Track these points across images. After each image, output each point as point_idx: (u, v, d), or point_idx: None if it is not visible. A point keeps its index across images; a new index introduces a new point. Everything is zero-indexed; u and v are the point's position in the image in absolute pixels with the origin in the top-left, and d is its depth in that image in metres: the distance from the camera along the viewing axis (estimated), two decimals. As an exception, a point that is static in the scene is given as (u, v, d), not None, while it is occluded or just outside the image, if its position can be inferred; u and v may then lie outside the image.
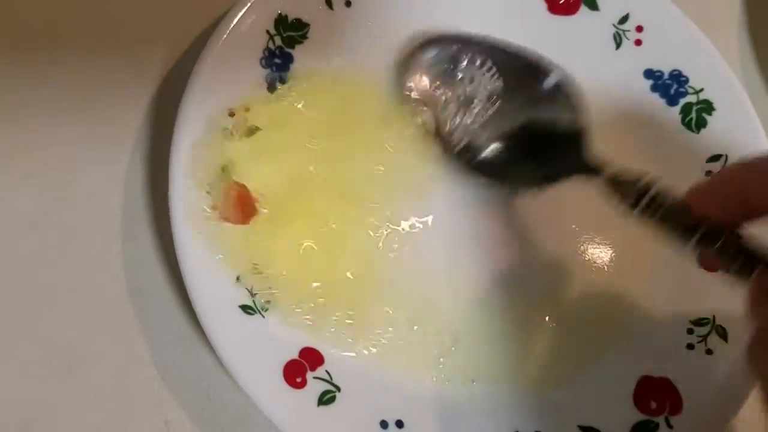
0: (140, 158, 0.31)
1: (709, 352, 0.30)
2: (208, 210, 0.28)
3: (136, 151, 0.31)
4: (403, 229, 0.32)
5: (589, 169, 0.29)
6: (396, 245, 0.31)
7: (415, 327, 0.30)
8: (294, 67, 0.32)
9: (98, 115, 0.32)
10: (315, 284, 0.30)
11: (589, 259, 0.32)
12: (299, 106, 0.32)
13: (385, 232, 0.31)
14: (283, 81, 0.32)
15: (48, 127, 0.31)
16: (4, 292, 0.29)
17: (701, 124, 0.33)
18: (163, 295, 0.30)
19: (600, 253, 0.32)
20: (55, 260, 0.30)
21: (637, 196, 0.26)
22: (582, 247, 0.32)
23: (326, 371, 0.28)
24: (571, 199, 0.32)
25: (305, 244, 0.30)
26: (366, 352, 0.29)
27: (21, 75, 0.32)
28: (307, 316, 0.29)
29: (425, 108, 0.32)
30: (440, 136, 0.32)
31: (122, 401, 0.28)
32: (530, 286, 0.32)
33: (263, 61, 0.31)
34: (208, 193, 0.29)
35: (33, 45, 0.32)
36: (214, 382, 0.29)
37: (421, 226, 0.32)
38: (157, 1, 0.33)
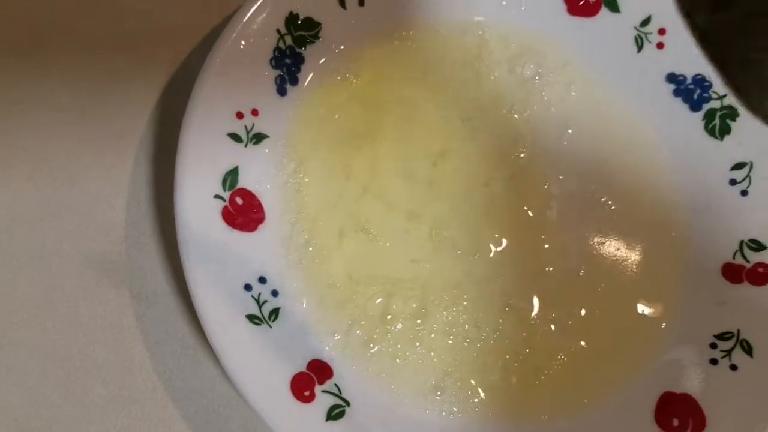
0: (145, 160, 0.30)
1: (733, 367, 0.29)
2: (215, 217, 0.27)
3: (141, 153, 0.30)
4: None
5: None
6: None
7: (418, 343, 0.29)
8: (304, 68, 0.31)
9: (102, 115, 0.31)
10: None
11: (609, 272, 0.31)
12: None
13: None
14: (293, 83, 0.31)
15: (50, 128, 0.30)
16: (1, 298, 0.28)
17: (725, 130, 0.32)
18: (166, 302, 0.29)
19: (621, 265, 0.31)
20: (55, 265, 0.29)
21: None
22: (603, 260, 0.31)
23: (335, 385, 0.27)
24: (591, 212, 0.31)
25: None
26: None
27: (23, 75, 0.31)
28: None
29: None
30: None
31: (123, 413, 0.27)
32: (546, 302, 0.31)
33: (273, 62, 0.30)
34: (214, 198, 0.28)
35: (36, 44, 0.31)
36: (219, 394, 0.28)
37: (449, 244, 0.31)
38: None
